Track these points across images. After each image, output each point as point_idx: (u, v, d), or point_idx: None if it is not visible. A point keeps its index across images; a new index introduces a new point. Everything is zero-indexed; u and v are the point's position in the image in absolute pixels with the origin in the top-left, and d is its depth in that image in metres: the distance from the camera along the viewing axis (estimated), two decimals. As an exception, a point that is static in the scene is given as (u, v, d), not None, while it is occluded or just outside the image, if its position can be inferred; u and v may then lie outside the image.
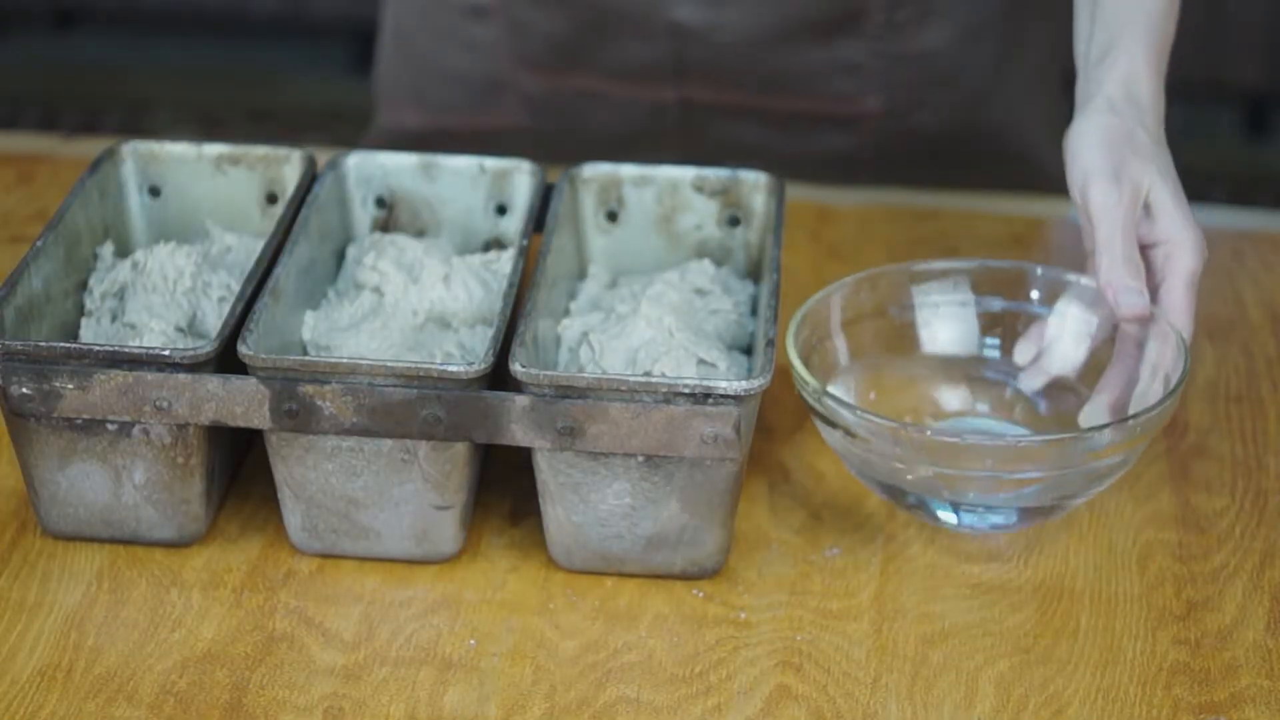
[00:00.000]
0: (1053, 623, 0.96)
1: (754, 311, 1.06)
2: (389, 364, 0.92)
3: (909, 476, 0.95)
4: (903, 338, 1.07)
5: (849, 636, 0.95)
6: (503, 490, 1.03)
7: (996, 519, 0.98)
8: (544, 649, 0.93)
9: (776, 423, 1.09)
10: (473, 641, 0.94)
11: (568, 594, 0.97)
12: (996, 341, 1.07)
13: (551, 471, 0.94)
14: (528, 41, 1.32)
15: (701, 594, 0.97)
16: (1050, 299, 1.05)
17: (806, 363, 0.99)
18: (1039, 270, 1.06)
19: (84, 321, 1.03)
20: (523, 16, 1.31)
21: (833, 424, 0.96)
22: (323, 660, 0.93)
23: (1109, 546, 1.01)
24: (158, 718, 0.89)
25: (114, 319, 1.03)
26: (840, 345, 1.05)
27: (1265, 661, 0.93)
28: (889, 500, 1.00)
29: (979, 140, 1.35)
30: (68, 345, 0.93)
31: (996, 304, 1.07)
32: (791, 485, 1.05)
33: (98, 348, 0.93)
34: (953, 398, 1.06)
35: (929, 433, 0.93)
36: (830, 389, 0.97)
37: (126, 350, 0.93)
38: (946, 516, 0.98)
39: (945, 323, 1.07)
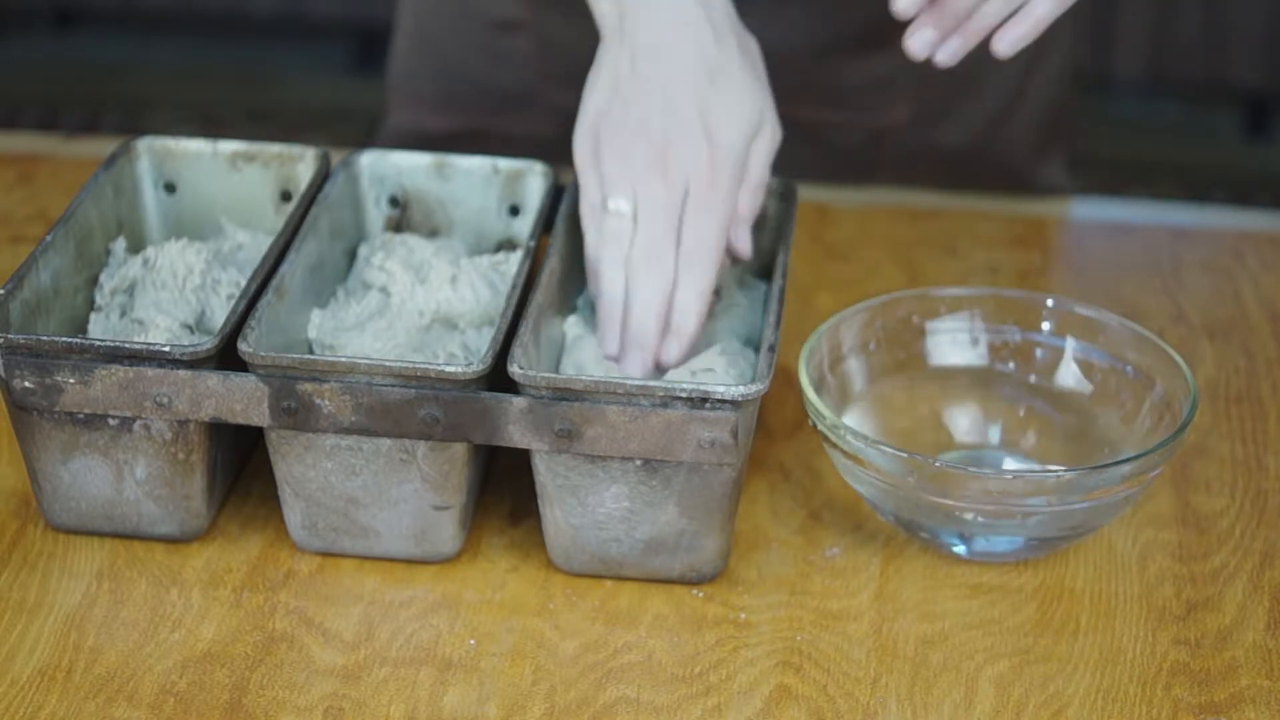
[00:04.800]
0: (1053, 623, 0.96)
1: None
2: (387, 363, 0.92)
3: (920, 506, 0.96)
4: (913, 367, 1.07)
5: (849, 636, 0.95)
6: (503, 491, 1.03)
7: (1005, 548, 0.98)
8: (544, 649, 0.93)
9: (776, 423, 1.09)
10: (473, 642, 0.94)
11: (568, 594, 0.97)
12: (1007, 371, 1.07)
13: (550, 474, 0.94)
14: (557, 56, 1.31)
15: (701, 594, 0.97)
16: (1061, 330, 1.06)
17: (817, 391, 0.99)
18: (1050, 301, 1.06)
19: (93, 316, 1.03)
20: (552, 32, 1.30)
21: (847, 455, 0.96)
22: (323, 660, 0.93)
23: (1109, 546, 1.01)
24: (158, 718, 0.89)
25: (123, 314, 1.03)
26: (851, 375, 1.05)
27: (1265, 661, 0.93)
28: (902, 531, 1.00)
29: (996, 156, 1.35)
30: (69, 340, 0.93)
31: (1007, 334, 1.07)
32: (791, 485, 1.05)
33: (99, 343, 0.93)
34: (963, 427, 1.06)
35: (938, 464, 0.94)
36: (841, 418, 0.97)
37: (127, 346, 0.93)
38: (958, 549, 0.98)
39: (956, 353, 1.07)
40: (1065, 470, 0.95)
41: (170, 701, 0.90)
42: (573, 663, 0.93)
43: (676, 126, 0.98)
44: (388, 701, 0.90)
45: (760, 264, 1.09)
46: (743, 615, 0.96)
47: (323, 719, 0.89)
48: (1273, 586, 0.98)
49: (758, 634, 0.95)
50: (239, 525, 1.01)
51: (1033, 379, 1.07)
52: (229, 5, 3.17)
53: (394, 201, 1.11)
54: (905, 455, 0.94)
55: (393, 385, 0.92)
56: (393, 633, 0.94)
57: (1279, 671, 0.93)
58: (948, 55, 0.99)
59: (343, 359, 0.92)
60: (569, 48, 1.31)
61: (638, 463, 0.93)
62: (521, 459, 0.96)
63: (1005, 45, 0.98)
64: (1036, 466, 1.04)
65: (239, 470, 1.04)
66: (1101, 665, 0.93)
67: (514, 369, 0.92)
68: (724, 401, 0.91)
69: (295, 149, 1.10)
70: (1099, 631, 0.95)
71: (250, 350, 0.93)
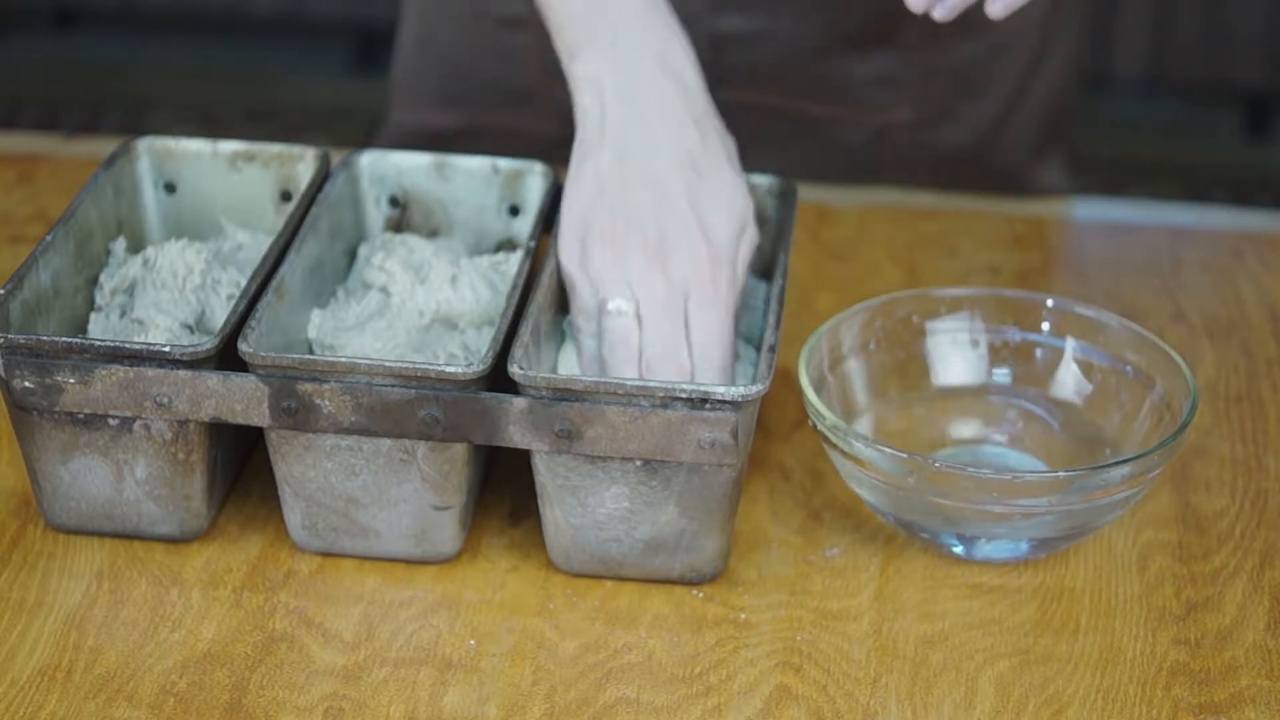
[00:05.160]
0: (1053, 623, 0.96)
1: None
2: (387, 363, 0.92)
3: (920, 507, 0.96)
4: (913, 368, 1.07)
5: (849, 636, 0.95)
6: (503, 491, 1.03)
7: (1005, 549, 0.98)
8: (544, 649, 0.93)
9: (776, 423, 1.09)
10: (473, 642, 0.94)
11: (568, 594, 0.97)
12: (1007, 371, 1.07)
13: (550, 474, 0.94)
14: None
15: (701, 594, 0.97)
16: (1061, 330, 1.06)
17: (817, 391, 0.99)
18: (1050, 301, 1.06)
19: (93, 316, 1.03)
20: None
21: (847, 456, 0.96)
22: (323, 660, 0.93)
23: (1109, 546, 1.01)
24: (158, 718, 0.89)
25: (123, 314, 1.03)
26: (851, 375, 1.05)
27: (1265, 661, 0.93)
28: (903, 532, 1.00)
29: (997, 156, 1.35)
30: (69, 340, 0.93)
31: (1008, 334, 1.07)
32: (791, 485, 1.05)
33: (99, 343, 0.93)
34: (964, 429, 1.06)
35: (938, 464, 0.94)
36: (842, 421, 0.97)
37: (128, 346, 0.93)
38: (957, 550, 0.98)
39: (956, 353, 1.07)
40: (1065, 470, 0.95)
41: (170, 701, 0.90)
42: (573, 663, 0.93)
43: (672, 223, 0.97)
44: (388, 702, 0.90)
45: (760, 264, 1.09)
46: (743, 615, 0.96)
47: (323, 719, 0.89)
48: (1273, 586, 0.98)
49: (758, 634, 0.95)
50: (239, 525, 1.01)
51: (1032, 379, 1.07)
52: (229, 5, 3.17)
53: (394, 201, 1.11)
54: (905, 456, 0.94)
55: (393, 385, 0.92)
56: (393, 633, 0.94)
57: (1279, 671, 0.93)
58: (945, 11, 0.98)
59: (343, 359, 0.92)
60: None
61: (638, 463, 0.93)
62: (521, 459, 0.96)
63: (998, 7, 0.98)
64: (1036, 467, 1.04)
65: (239, 470, 1.04)
66: (1101, 665, 0.93)
67: (514, 369, 0.92)
68: (724, 402, 0.91)
69: (295, 149, 1.10)
70: (1099, 631, 0.95)
71: (250, 350, 0.93)
